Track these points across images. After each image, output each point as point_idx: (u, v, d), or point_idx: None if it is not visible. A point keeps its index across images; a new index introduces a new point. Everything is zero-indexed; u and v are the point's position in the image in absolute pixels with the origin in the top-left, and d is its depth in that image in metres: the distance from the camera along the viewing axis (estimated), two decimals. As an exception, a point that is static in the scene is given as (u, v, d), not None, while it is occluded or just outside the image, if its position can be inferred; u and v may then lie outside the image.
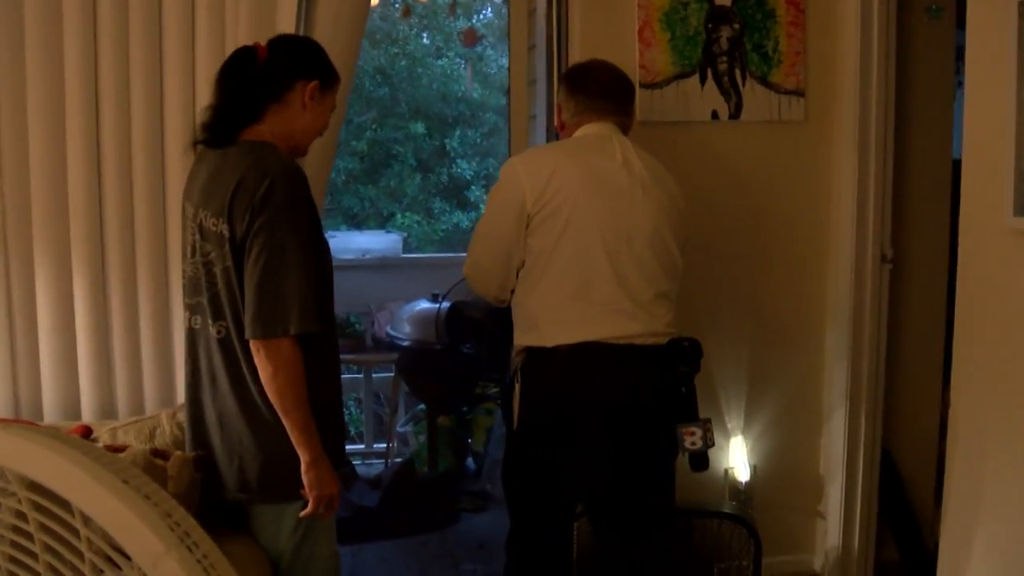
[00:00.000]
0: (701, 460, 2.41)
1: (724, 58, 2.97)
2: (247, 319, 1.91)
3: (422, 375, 4.19)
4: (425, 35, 7.72)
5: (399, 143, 7.46)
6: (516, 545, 2.49)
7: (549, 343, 2.30)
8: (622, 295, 2.30)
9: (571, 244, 2.29)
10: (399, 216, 7.36)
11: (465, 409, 4.38)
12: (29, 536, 1.21)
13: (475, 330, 3.68)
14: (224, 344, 2.00)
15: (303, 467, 1.95)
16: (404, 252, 5.55)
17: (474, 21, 7.45)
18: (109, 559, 1.20)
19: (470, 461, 4.45)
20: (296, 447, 1.94)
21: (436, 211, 7.49)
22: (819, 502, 3.22)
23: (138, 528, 1.12)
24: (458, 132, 7.55)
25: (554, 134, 3.06)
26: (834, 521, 3.14)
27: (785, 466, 3.19)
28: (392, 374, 4.63)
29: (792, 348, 3.16)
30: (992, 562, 2.14)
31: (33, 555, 1.22)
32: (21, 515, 1.21)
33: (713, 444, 2.40)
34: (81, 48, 2.49)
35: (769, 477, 3.17)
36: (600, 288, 2.29)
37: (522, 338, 2.38)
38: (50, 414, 2.62)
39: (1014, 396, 2.06)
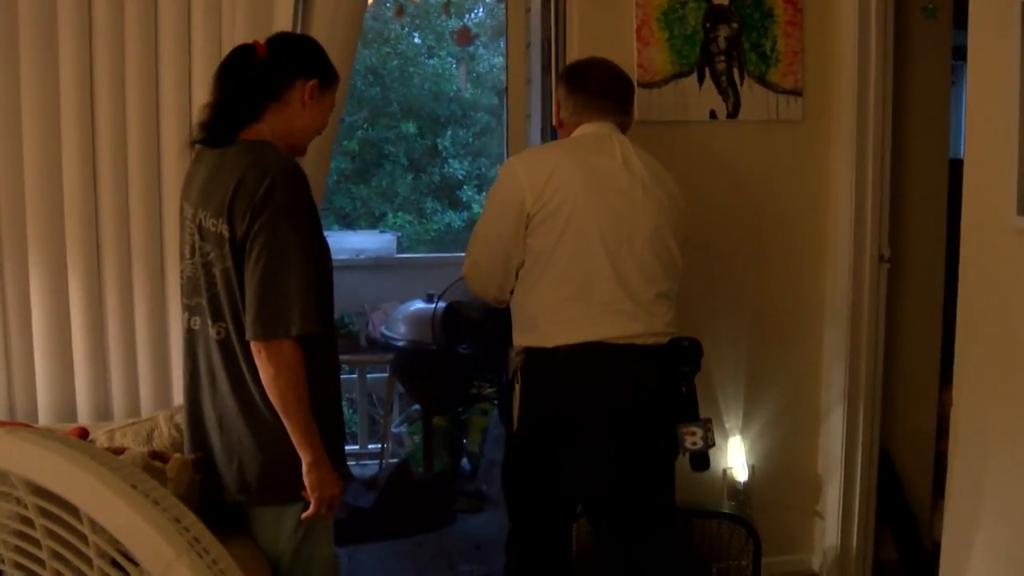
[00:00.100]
0: (702, 460, 2.41)
1: (722, 57, 2.97)
2: (248, 320, 1.89)
3: (417, 375, 4.17)
4: (416, 35, 7.70)
5: (391, 143, 7.44)
6: (516, 545, 2.49)
7: (549, 343, 2.29)
8: (623, 295, 2.29)
9: (571, 244, 2.28)
10: (391, 216, 7.34)
11: (460, 409, 4.37)
12: (35, 542, 1.19)
13: (472, 330, 3.66)
14: (224, 345, 1.98)
15: (304, 468, 1.93)
16: (397, 252, 5.53)
17: (465, 21, 7.43)
18: (116, 564, 1.18)
19: (465, 462, 4.44)
20: (298, 448, 1.93)
21: (428, 211, 7.48)
22: (817, 501, 3.23)
23: (148, 534, 1.10)
24: (450, 132, 7.53)
25: (549, 133, 3.06)
26: (832, 520, 3.14)
27: (783, 466, 3.19)
28: (386, 374, 4.62)
29: (790, 348, 3.16)
30: (993, 561, 2.14)
31: (40, 561, 1.20)
32: (27, 520, 1.19)
33: (714, 444, 2.40)
34: (76, 47, 2.48)
35: (767, 477, 3.17)
36: (600, 288, 2.29)
37: (522, 338, 2.37)
38: (45, 416, 2.61)
39: (1016, 396, 2.06)
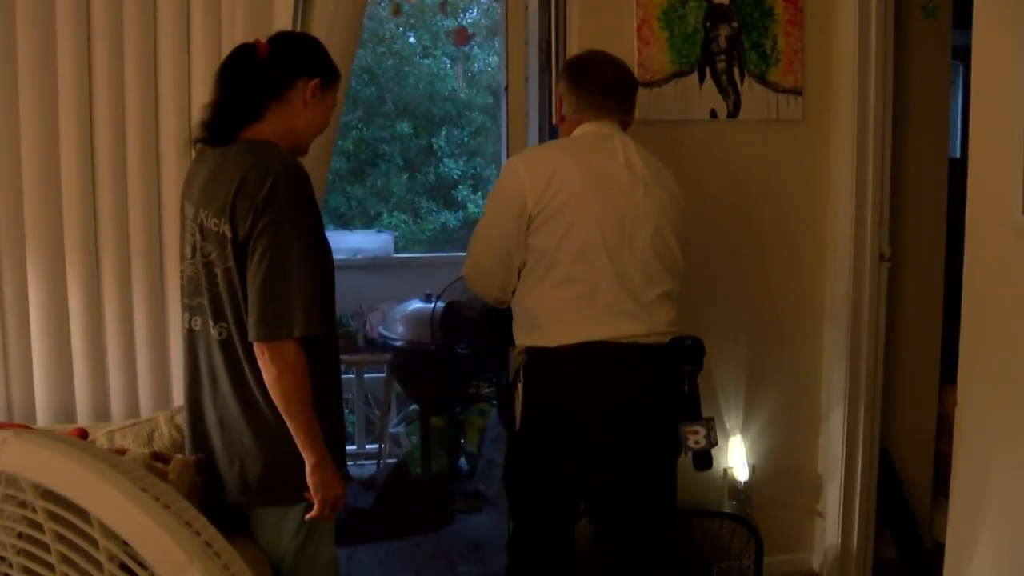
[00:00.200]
0: (705, 459, 2.40)
1: (722, 56, 2.96)
2: (250, 321, 1.88)
3: (415, 375, 4.17)
4: (411, 34, 7.68)
5: (386, 142, 7.41)
6: (518, 546, 2.48)
7: (552, 343, 2.29)
8: (624, 295, 2.29)
9: (573, 244, 2.27)
10: (386, 216, 7.32)
11: (458, 409, 4.36)
12: (44, 546, 1.18)
13: (471, 330, 3.66)
14: (225, 346, 1.97)
15: (308, 469, 1.92)
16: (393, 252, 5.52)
17: (461, 20, 7.42)
18: (125, 568, 1.16)
19: (463, 462, 4.43)
20: (301, 449, 1.92)
21: (423, 211, 7.45)
22: (817, 501, 3.23)
23: (160, 538, 1.09)
24: (445, 131, 7.51)
25: (547, 132, 3.05)
26: (832, 520, 3.14)
27: (784, 465, 3.19)
28: (383, 375, 4.61)
29: (790, 347, 3.16)
30: (997, 561, 2.14)
31: (49, 565, 1.18)
32: (36, 524, 1.17)
33: (716, 443, 2.39)
34: (75, 47, 2.47)
35: (768, 476, 3.17)
36: (603, 288, 2.28)
37: (524, 338, 2.36)
38: (43, 417, 2.59)
39: (1020, 395, 2.05)
